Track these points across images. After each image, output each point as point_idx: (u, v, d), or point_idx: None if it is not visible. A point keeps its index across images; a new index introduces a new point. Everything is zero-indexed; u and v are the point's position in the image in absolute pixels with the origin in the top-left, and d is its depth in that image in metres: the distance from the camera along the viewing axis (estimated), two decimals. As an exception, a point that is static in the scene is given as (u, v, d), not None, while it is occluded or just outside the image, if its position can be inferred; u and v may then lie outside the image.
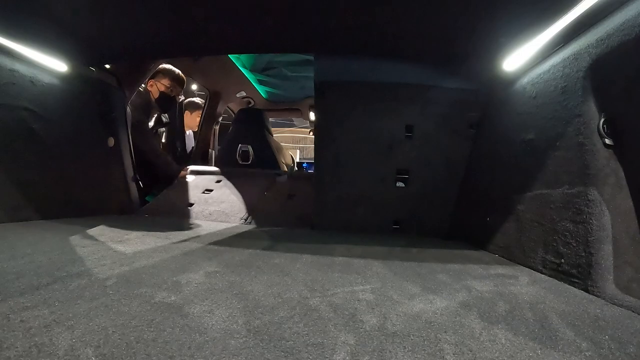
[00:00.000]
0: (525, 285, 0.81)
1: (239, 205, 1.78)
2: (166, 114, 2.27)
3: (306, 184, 1.92)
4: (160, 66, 2.09)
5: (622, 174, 0.82)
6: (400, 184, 1.43)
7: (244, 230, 1.45)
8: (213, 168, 2.31)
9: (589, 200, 0.81)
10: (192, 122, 2.93)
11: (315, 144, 1.41)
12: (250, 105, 3.20)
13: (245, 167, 2.44)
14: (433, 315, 0.60)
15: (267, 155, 2.50)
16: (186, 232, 1.30)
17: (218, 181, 2.08)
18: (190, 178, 2.16)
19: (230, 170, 2.24)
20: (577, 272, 0.80)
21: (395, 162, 1.37)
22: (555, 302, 0.69)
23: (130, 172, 1.76)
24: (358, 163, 1.41)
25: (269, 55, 2.42)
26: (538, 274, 0.91)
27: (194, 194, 1.93)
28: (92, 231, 1.17)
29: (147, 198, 2.05)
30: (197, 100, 2.93)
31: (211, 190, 1.97)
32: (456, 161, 1.36)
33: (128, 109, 1.79)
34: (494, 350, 0.49)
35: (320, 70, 1.27)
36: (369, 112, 1.35)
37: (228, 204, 1.81)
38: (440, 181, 1.40)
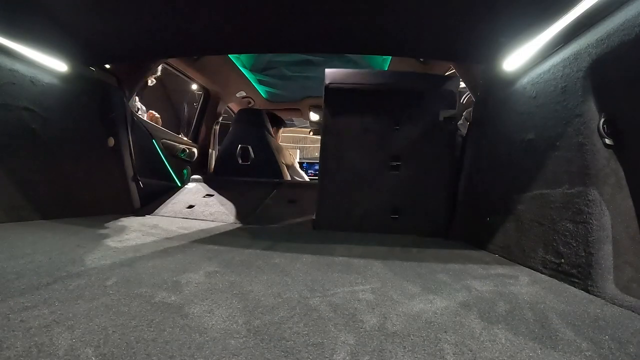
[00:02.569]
0: (525, 285, 0.81)
1: (239, 208, 1.78)
2: None
3: (306, 190, 2.00)
4: None
5: (622, 174, 0.82)
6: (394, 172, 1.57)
7: (244, 230, 1.45)
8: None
9: (589, 200, 0.81)
10: None
11: (322, 133, 1.57)
12: (250, 105, 3.20)
13: (245, 168, 2.44)
14: (433, 315, 0.60)
15: (267, 155, 2.50)
16: (186, 232, 1.30)
17: (219, 188, 2.11)
18: (191, 184, 2.18)
19: (230, 179, 2.30)
20: (577, 272, 0.80)
21: (388, 151, 1.53)
22: (555, 302, 0.69)
23: (130, 172, 1.75)
24: (358, 151, 1.55)
25: (269, 55, 2.42)
26: (538, 274, 0.91)
27: (195, 198, 1.94)
28: (92, 231, 1.17)
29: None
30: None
31: (212, 195, 1.98)
32: (444, 151, 1.51)
33: (128, 110, 1.79)
34: (494, 350, 0.49)
35: (330, 78, 1.49)
36: (368, 110, 1.51)
37: (229, 205, 1.81)
38: (430, 169, 1.52)
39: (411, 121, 1.48)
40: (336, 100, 1.50)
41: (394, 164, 1.51)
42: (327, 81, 1.49)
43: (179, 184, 2.24)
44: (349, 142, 1.52)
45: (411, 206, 1.53)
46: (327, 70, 1.48)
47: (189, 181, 2.29)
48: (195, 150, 2.60)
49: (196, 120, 2.83)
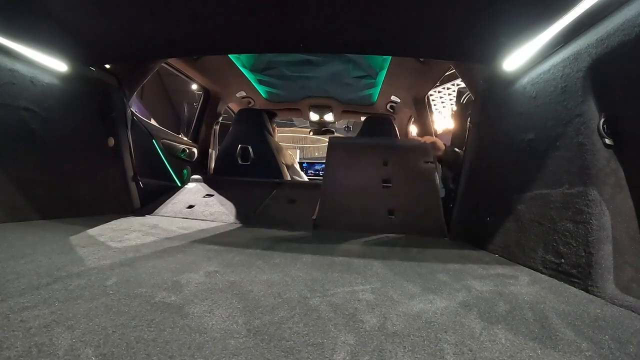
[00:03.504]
0: (525, 285, 0.81)
1: (239, 208, 1.78)
2: None
3: (306, 190, 2.07)
4: None
5: (622, 174, 0.82)
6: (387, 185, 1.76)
7: (244, 230, 1.45)
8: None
9: (589, 200, 0.81)
10: None
11: (326, 162, 1.84)
12: (250, 105, 3.20)
13: (245, 168, 2.44)
14: (433, 315, 0.60)
15: (267, 155, 2.50)
16: (186, 232, 1.30)
17: (219, 188, 2.11)
18: (191, 184, 2.18)
19: (230, 179, 2.32)
20: (577, 272, 0.80)
21: (381, 175, 1.74)
22: (555, 302, 0.69)
23: (130, 172, 1.75)
24: (355, 176, 1.73)
25: (269, 55, 2.42)
26: (538, 274, 0.91)
27: (195, 198, 1.94)
28: (92, 231, 1.17)
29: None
30: None
31: (212, 195, 1.98)
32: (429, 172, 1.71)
33: (128, 110, 1.79)
34: (494, 350, 0.49)
35: (332, 139, 1.93)
36: (362, 154, 1.80)
37: (229, 205, 1.81)
38: (419, 184, 1.68)
39: (398, 160, 1.76)
40: (337, 148, 1.86)
41: (386, 185, 1.71)
42: (330, 141, 1.90)
43: (179, 184, 2.24)
44: (348, 170, 1.78)
45: (407, 209, 1.58)
46: (330, 137, 2.02)
47: (189, 181, 2.29)
48: (195, 150, 2.60)
49: (196, 120, 2.83)
